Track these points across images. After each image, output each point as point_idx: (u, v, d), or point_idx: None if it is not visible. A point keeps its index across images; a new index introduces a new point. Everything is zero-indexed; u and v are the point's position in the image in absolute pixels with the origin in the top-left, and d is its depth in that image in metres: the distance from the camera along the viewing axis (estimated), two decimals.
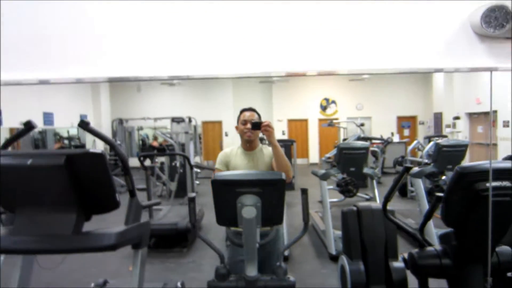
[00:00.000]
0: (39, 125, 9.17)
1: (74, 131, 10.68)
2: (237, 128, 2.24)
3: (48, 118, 9.69)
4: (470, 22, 1.02)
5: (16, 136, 1.93)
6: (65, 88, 10.33)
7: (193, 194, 1.95)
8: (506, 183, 1.33)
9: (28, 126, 1.69)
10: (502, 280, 1.53)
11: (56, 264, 2.28)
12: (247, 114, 2.19)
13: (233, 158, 2.20)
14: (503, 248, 1.53)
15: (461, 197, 1.40)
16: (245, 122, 2.17)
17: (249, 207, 1.48)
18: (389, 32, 1.04)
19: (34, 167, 1.28)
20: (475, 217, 1.37)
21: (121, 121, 12.38)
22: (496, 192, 1.29)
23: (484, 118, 9.48)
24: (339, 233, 3.54)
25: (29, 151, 1.56)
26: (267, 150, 2.25)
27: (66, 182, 1.30)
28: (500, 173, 1.35)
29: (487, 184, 1.31)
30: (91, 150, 1.37)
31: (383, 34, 1.04)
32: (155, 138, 12.45)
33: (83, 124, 1.59)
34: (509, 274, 1.65)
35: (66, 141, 9.80)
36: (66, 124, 10.24)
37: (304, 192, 1.77)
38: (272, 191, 1.51)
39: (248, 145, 2.20)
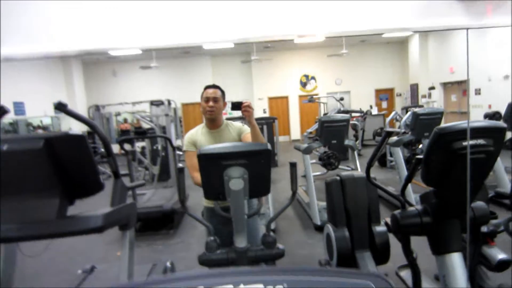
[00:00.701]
0: (10, 115, 8.74)
1: (48, 120, 10.25)
2: (200, 106, 2.13)
3: (19, 107, 9.21)
4: None
5: None
6: (34, 75, 9.82)
7: (180, 165, 1.94)
8: (480, 141, 1.40)
9: (1, 111, 1.62)
10: (477, 234, 1.63)
11: (39, 252, 2.22)
12: (209, 91, 2.08)
13: (198, 138, 2.11)
14: (478, 204, 1.62)
15: (440, 157, 1.46)
16: (207, 100, 2.07)
17: (236, 179, 1.50)
18: None
19: (11, 152, 1.23)
20: (453, 175, 1.43)
21: (97, 108, 11.97)
22: (472, 150, 1.35)
23: (458, 87, 9.77)
24: (323, 204, 3.64)
25: (3, 137, 1.50)
26: (234, 126, 2.15)
27: (47, 166, 1.27)
28: (476, 132, 1.41)
29: (464, 143, 1.37)
30: (71, 132, 1.33)
31: None
32: (125, 120, 12.12)
33: (60, 106, 1.53)
34: (483, 228, 1.76)
35: (40, 131, 9.41)
36: (39, 113, 9.79)
37: (293, 165, 1.80)
38: (258, 162, 1.52)
39: (211, 123, 2.12)
